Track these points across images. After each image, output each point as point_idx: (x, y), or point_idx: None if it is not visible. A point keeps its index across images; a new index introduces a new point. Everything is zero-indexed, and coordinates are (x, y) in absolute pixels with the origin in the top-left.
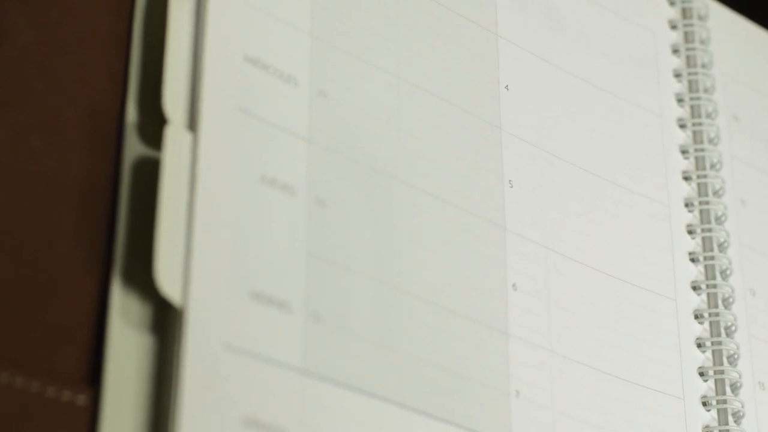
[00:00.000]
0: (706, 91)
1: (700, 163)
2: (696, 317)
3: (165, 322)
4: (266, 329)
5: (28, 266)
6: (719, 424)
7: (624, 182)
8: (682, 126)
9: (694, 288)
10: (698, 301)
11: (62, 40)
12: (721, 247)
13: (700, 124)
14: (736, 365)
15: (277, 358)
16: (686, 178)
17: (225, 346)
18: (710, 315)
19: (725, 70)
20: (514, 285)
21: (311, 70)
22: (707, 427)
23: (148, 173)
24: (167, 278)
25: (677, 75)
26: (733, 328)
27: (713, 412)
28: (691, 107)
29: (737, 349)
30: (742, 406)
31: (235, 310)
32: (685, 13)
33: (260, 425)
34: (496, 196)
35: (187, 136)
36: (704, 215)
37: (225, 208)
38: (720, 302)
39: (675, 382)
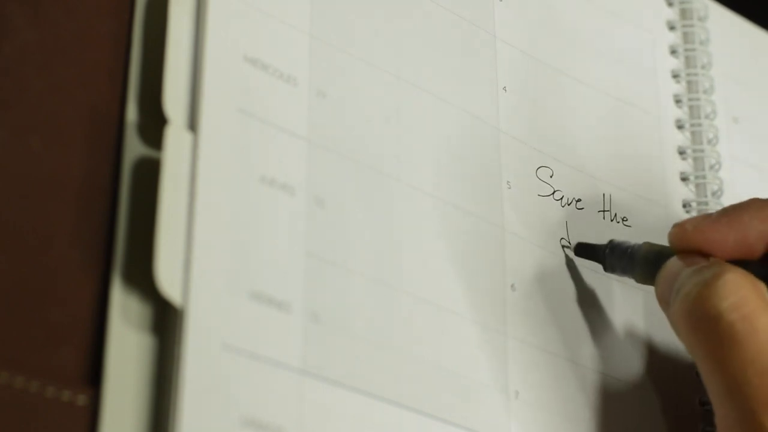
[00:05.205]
0: (705, 92)
1: (698, 164)
2: None
3: (165, 322)
4: (266, 329)
5: (27, 266)
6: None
7: (622, 184)
8: (680, 127)
9: None
10: None
11: (62, 40)
12: None
13: (699, 125)
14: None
15: (276, 358)
16: (684, 179)
17: (225, 346)
18: None
19: (724, 71)
20: (512, 285)
21: (311, 70)
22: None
23: (148, 173)
24: (167, 278)
25: (675, 76)
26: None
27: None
28: (690, 108)
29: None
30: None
31: (234, 310)
32: (684, 14)
33: (259, 425)
34: (495, 197)
35: (187, 136)
36: None
37: (225, 208)
38: None
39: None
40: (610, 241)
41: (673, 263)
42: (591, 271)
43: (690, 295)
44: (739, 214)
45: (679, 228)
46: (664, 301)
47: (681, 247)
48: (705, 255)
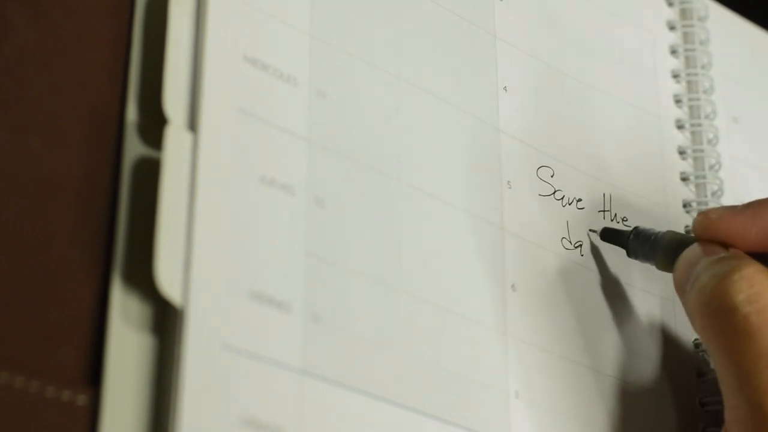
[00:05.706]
0: (705, 92)
1: (698, 164)
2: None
3: (165, 322)
4: (266, 329)
5: (27, 266)
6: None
7: (623, 184)
8: (680, 127)
9: None
10: None
11: (62, 40)
12: None
13: (699, 125)
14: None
15: (276, 358)
16: (684, 180)
17: (225, 346)
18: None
19: (724, 71)
20: (512, 285)
21: (311, 70)
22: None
23: (148, 173)
24: (167, 278)
25: (675, 76)
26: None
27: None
28: (690, 108)
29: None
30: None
31: (234, 310)
32: (685, 14)
33: (259, 425)
34: (495, 197)
35: (187, 136)
36: None
37: (225, 208)
38: None
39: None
40: (636, 227)
41: (693, 251)
42: (593, 272)
43: (707, 287)
44: (763, 207)
45: (703, 216)
46: (681, 288)
47: (704, 236)
48: (726, 245)
